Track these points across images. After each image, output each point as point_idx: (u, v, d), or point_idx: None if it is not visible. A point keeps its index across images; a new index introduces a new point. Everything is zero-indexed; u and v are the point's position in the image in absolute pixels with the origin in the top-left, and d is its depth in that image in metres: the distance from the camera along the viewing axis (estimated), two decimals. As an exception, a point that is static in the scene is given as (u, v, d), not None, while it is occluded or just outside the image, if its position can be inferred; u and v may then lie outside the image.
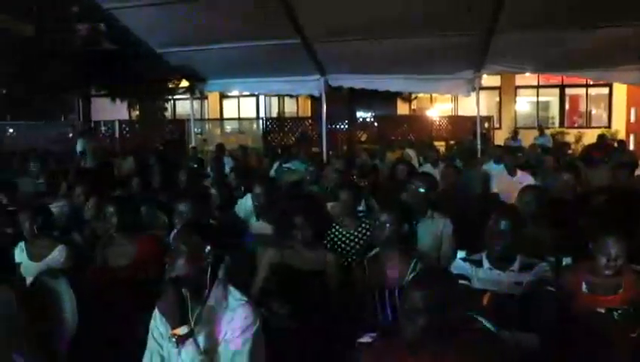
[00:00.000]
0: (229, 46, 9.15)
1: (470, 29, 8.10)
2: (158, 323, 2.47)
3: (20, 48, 10.68)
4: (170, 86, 12.21)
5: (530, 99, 20.96)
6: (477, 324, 2.38)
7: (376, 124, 18.14)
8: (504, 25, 7.76)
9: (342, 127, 16.84)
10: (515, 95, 20.56)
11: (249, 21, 8.15)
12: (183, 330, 2.27)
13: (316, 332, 3.15)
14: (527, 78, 18.56)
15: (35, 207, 4.52)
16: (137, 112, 20.36)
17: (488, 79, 14.13)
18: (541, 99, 20.84)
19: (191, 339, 2.27)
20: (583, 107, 20.73)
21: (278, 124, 17.75)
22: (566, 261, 3.59)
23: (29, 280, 3.83)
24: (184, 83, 11.72)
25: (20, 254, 4.22)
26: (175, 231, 3.88)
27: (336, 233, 4.31)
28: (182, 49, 9.61)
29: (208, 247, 2.41)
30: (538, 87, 20.27)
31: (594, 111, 20.67)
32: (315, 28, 8.43)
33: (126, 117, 19.40)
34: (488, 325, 2.36)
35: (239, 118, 21.06)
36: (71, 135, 15.14)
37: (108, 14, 8.93)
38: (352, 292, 3.33)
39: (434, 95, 19.97)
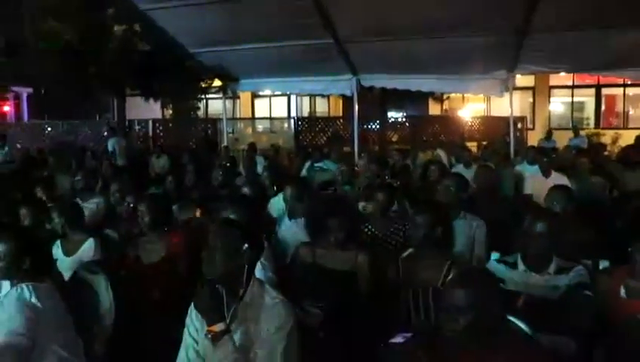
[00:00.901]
0: (261, 46, 9.21)
1: (504, 29, 8.01)
2: (194, 320, 2.50)
3: (61, 50, 10.92)
4: (202, 85, 12.32)
5: (565, 99, 20.62)
6: (511, 326, 2.36)
7: (407, 124, 18.03)
8: (538, 24, 7.66)
9: (373, 127, 16.79)
10: (549, 95, 20.26)
11: (282, 21, 8.20)
12: (219, 327, 2.30)
13: (348, 332, 3.16)
14: (562, 77, 18.27)
15: (67, 204, 4.64)
16: (170, 111, 20.65)
17: (522, 79, 13.95)
18: (576, 99, 20.48)
19: (227, 336, 2.30)
20: (619, 107, 20.32)
21: (309, 124, 17.77)
22: (603, 264, 3.53)
23: (65, 275, 3.93)
24: (217, 82, 11.83)
25: (56, 250, 4.32)
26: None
27: (369, 233, 4.31)
28: (215, 49, 9.70)
29: (246, 245, 2.44)
30: (573, 87, 19.93)
31: (631, 112, 20.25)
32: (348, 28, 8.44)
33: (159, 116, 19.66)
34: (524, 327, 2.34)
35: (271, 118, 21.16)
36: (106, 133, 15.40)
37: (143, 15, 9.06)
38: (385, 293, 3.32)
39: (466, 95, 19.79)
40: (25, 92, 20.37)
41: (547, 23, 7.58)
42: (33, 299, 2.82)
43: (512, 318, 2.38)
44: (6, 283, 3.06)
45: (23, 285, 2.87)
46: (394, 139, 17.06)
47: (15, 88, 19.17)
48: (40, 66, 11.24)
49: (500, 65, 9.49)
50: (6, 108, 21.13)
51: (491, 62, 9.42)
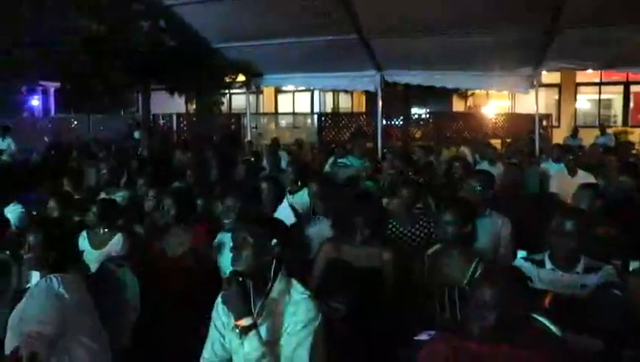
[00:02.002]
0: (285, 41, 9.22)
1: (531, 25, 7.91)
2: (220, 314, 2.52)
3: (88, 46, 11.06)
4: (226, 80, 12.37)
5: (592, 96, 20.30)
6: (538, 325, 2.34)
7: (431, 120, 17.91)
8: (566, 20, 7.55)
9: (397, 123, 16.71)
10: (576, 92, 19.97)
11: (306, 17, 8.19)
12: (246, 322, 2.30)
13: (372, 329, 3.16)
14: (589, 74, 17.98)
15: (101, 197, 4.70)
16: (194, 106, 20.76)
17: (547, 76, 13.78)
18: (603, 96, 20.15)
19: (254, 331, 2.30)
20: (648, 105, 19.98)
21: (332, 119, 17.75)
22: (633, 265, 3.48)
23: (92, 267, 3.99)
24: (240, 77, 11.87)
25: (82, 242, 4.36)
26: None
27: (394, 230, 4.30)
28: (239, 44, 9.74)
29: (274, 241, 2.44)
30: (600, 84, 19.62)
31: (661, 110, 19.89)
32: (372, 23, 8.41)
33: (183, 110, 19.79)
34: (552, 327, 2.32)
35: (294, 113, 21.16)
36: (131, 127, 15.58)
37: (168, 10, 9.13)
38: (410, 290, 3.31)
39: (491, 92, 19.61)
40: (52, 87, 20.65)
41: (575, 18, 7.47)
42: (61, 290, 2.86)
43: (539, 317, 2.36)
44: (35, 274, 3.12)
45: (52, 276, 2.92)
46: (417, 135, 16.97)
47: (43, 83, 19.46)
48: (67, 61, 11.40)
49: (526, 61, 9.39)
50: (34, 103, 21.43)
51: (517, 58, 9.32)
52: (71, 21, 11.12)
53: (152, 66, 11.22)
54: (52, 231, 3.08)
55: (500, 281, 2.15)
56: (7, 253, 3.53)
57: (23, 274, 3.50)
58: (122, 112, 20.16)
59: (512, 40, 8.40)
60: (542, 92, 11.79)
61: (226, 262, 3.60)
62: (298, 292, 2.45)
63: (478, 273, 3.10)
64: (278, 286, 2.44)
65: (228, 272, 2.50)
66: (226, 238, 3.84)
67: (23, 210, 5.23)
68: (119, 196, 5.94)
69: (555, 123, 18.73)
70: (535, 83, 9.75)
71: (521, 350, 2.09)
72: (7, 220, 4.62)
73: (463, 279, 3.10)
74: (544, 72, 10.12)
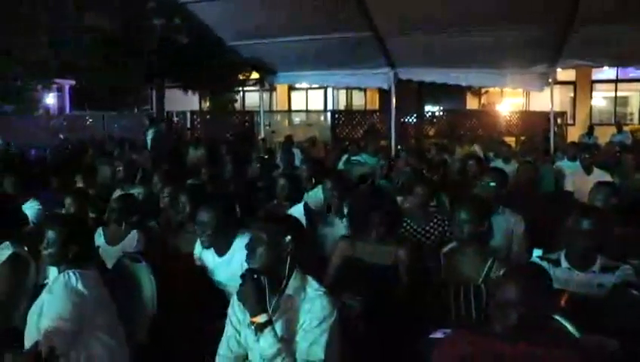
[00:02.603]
0: (299, 39, 9.22)
1: (546, 22, 7.85)
2: (236, 310, 2.53)
3: (103, 44, 11.16)
4: (240, 78, 12.42)
5: (608, 94, 20.12)
6: (556, 324, 2.33)
7: (444, 118, 17.85)
8: (582, 17, 7.48)
9: (410, 120, 16.67)
10: (591, 90, 19.80)
11: (320, 14, 8.19)
12: (262, 318, 2.32)
13: (387, 326, 3.16)
14: (605, 72, 17.83)
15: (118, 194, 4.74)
16: (208, 103, 20.86)
17: (562, 73, 13.66)
18: (619, 93, 19.96)
19: (269, 328, 2.32)
20: (666, 102, 19.76)
21: (346, 117, 17.74)
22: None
23: (107, 263, 4.02)
24: (254, 75, 11.90)
25: (98, 238, 4.41)
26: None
27: (408, 228, 4.30)
28: (253, 41, 9.75)
29: (288, 237, 2.45)
30: (617, 81, 19.44)
31: (679, 107, 19.66)
32: (386, 20, 8.39)
33: (197, 107, 19.88)
34: (569, 326, 2.31)
35: (307, 110, 21.18)
36: (145, 124, 15.67)
37: (182, 8, 9.16)
38: (426, 288, 3.31)
39: (505, 89, 19.49)
40: (67, 84, 20.82)
41: (591, 15, 7.40)
42: (79, 286, 2.89)
43: (556, 316, 2.35)
44: (53, 270, 3.15)
45: (70, 272, 2.95)
46: (431, 133, 16.92)
47: (58, 80, 19.63)
48: (82, 59, 11.51)
49: (541, 59, 9.31)
50: (49, 100, 21.61)
51: (532, 56, 9.25)
52: (85, 20, 11.24)
53: (166, 64, 11.30)
54: (70, 227, 3.11)
55: (524, 279, 2.14)
56: (26, 248, 3.56)
57: (41, 270, 3.54)
58: (136, 110, 20.31)
59: (527, 37, 8.34)
60: (557, 89, 11.71)
61: None
62: (313, 289, 2.46)
63: (493, 271, 3.10)
64: (293, 283, 2.45)
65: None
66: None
67: (41, 206, 5.28)
68: (134, 193, 5.98)
69: (569, 121, 18.59)
70: (550, 80, 9.67)
71: (539, 349, 2.09)
72: (26, 217, 4.67)
73: (478, 277, 3.09)
74: (559, 70, 10.03)
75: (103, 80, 12.47)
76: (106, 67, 11.37)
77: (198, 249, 3.81)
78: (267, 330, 2.31)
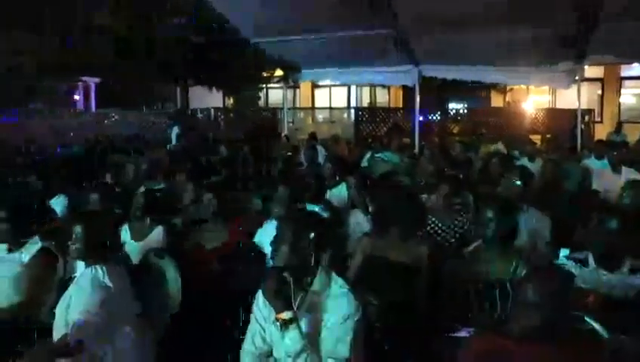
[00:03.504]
0: (323, 36, 9.21)
1: (572, 18, 7.73)
2: (261, 307, 2.54)
3: (124, 42, 11.28)
4: (264, 75, 12.46)
5: (637, 91, 19.73)
6: (584, 325, 2.30)
7: (468, 116, 17.70)
8: (610, 12, 7.34)
9: (434, 118, 16.57)
10: (620, 87, 19.45)
11: (344, 11, 8.16)
12: (287, 315, 2.32)
13: (409, 325, 3.15)
14: (634, 68, 17.49)
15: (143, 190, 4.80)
16: (232, 101, 20.97)
17: (590, 70, 13.45)
18: (649, 91, 19.60)
19: (294, 324, 2.32)
20: (697, 99, 19.33)
21: (369, 114, 17.69)
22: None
23: (132, 259, 4.07)
24: (278, 72, 11.92)
25: (124, 234, 4.46)
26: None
27: (433, 226, 4.27)
28: (276, 39, 9.76)
29: (312, 234, 2.45)
30: (646, 78, 19.07)
31: None
32: (410, 18, 8.33)
33: (221, 105, 19.99)
34: (598, 327, 2.28)
35: (330, 108, 21.16)
36: (169, 122, 15.81)
37: (206, 5, 9.21)
38: (449, 286, 3.29)
39: (530, 87, 19.26)
40: (93, 82, 21.09)
41: (619, 10, 7.26)
42: (106, 280, 2.94)
43: (585, 317, 2.32)
44: (80, 264, 3.20)
45: (97, 266, 3.00)
46: (454, 130, 16.80)
47: (84, 78, 19.90)
48: (106, 57, 11.64)
49: (568, 55, 9.17)
50: (76, 98, 21.91)
51: (558, 52, 9.10)
52: (102, 20, 11.38)
53: (188, 60, 11.37)
54: (96, 223, 3.16)
55: (548, 280, 2.12)
56: (53, 243, 3.62)
57: (69, 264, 3.59)
58: (161, 107, 20.49)
59: (553, 33, 8.22)
60: (584, 87, 11.54)
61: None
62: (338, 286, 2.45)
63: (518, 271, 3.07)
64: (318, 279, 2.45)
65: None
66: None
67: (68, 202, 5.36)
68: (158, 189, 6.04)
69: (597, 118, 18.30)
70: (577, 77, 9.53)
71: (565, 350, 2.06)
72: (54, 212, 4.74)
73: (503, 277, 3.06)
74: (586, 66, 9.87)
75: (126, 77, 12.60)
76: (127, 65, 11.47)
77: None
78: (292, 327, 2.31)
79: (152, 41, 11.19)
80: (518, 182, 4.36)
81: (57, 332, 2.91)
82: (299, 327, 2.32)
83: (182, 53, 11.42)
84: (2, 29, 13.15)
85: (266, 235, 3.87)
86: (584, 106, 14.49)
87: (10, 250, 3.48)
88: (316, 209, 4.19)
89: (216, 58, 11.66)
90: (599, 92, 19.45)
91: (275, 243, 2.47)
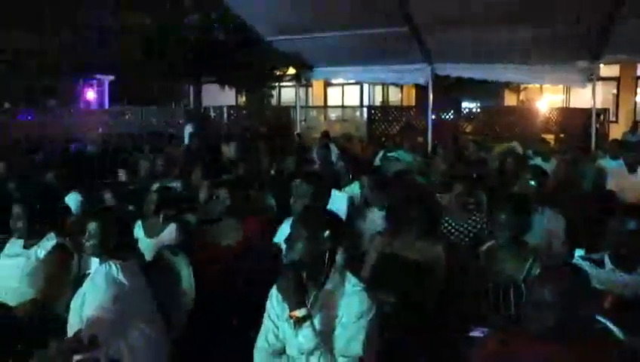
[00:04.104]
0: (336, 34, 9.20)
1: (589, 16, 7.66)
2: (274, 304, 2.54)
3: (141, 39, 11.32)
4: (277, 73, 12.46)
5: (654, 90, 19.53)
6: (600, 326, 2.27)
7: (482, 115, 17.59)
8: (628, 10, 7.27)
9: (447, 117, 16.49)
10: (636, 86, 19.25)
11: (357, 9, 8.16)
12: (301, 312, 2.31)
13: (424, 324, 3.13)
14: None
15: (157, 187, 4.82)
16: (244, 98, 20.99)
17: (605, 69, 13.33)
18: (666, 90, 19.35)
19: (308, 322, 2.31)
20: None
21: (382, 113, 17.64)
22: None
23: (146, 256, 4.08)
24: (290, 70, 11.92)
25: (137, 231, 4.48)
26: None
27: (447, 225, 4.26)
28: (290, 37, 9.77)
29: (327, 232, 2.45)
30: (664, 77, 18.85)
31: None
32: (424, 16, 8.31)
33: (234, 103, 20.01)
34: (614, 329, 2.25)
35: (343, 106, 21.12)
36: (182, 119, 15.85)
37: (220, 3, 9.24)
38: (464, 286, 3.27)
39: (544, 85, 19.12)
40: (107, 79, 21.22)
41: (636, 7, 7.19)
42: (120, 276, 2.95)
43: (600, 318, 2.29)
44: (95, 260, 3.22)
45: (111, 262, 3.01)
46: (468, 130, 16.71)
47: (99, 75, 20.02)
48: (121, 55, 11.71)
49: (583, 54, 9.10)
50: (90, 95, 22.05)
51: (574, 51, 9.05)
52: (124, 18, 11.45)
53: (204, 60, 11.39)
54: (111, 219, 3.17)
55: (562, 280, 2.08)
56: (68, 240, 3.64)
57: (83, 261, 3.61)
58: (174, 105, 20.56)
59: (568, 32, 8.16)
60: (599, 86, 11.42)
61: None
62: (352, 285, 2.45)
63: (533, 271, 3.05)
64: (332, 277, 2.45)
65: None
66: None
67: (83, 198, 5.39)
68: (172, 186, 6.06)
69: (612, 118, 18.13)
70: (593, 76, 9.45)
71: (579, 351, 2.04)
72: (68, 208, 4.77)
73: (518, 277, 3.04)
74: (601, 65, 9.78)
75: (141, 75, 12.67)
76: (143, 62, 11.53)
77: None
78: (306, 324, 2.30)
79: (183, 40, 11.25)
80: (533, 182, 4.33)
81: (72, 328, 2.93)
82: (312, 325, 2.32)
83: (201, 50, 11.46)
84: (14, 28, 13.34)
85: (284, 235, 3.87)
86: (599, 106, 14.36)
87: (25, 247, 3.50)
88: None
89: (232, 56, 11.67)
90: (614, 91, 19.27)
91: (290, 240, 2.47)
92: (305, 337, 2.30)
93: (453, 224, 4.28)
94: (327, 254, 2.43)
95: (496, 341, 2.25)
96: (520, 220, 3.16)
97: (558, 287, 2.05)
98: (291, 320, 2.33)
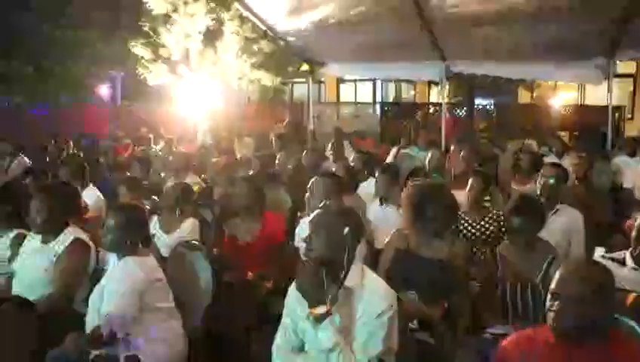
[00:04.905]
0: (349, 30, 9.15)
1: (604, 11, 7.55)
2: (294, 301, 2.54)
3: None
4: (290, 69, 12.45)
5: (672, 86, 19.30)
6: (623, 326, 2.25)
7: (495, 112, 17.50)
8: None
9: (460, 113, 16.42)
10: (653, 83, 19.05)
11: (370, 5, 8.11)
12: (320, 310, 2.31)
13: (442, 321, 3.11)
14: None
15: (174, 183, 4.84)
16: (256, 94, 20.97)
17: (621, 66, 13.15)
18: (684, 87, 19.12)
19: (328, 319, 2.30)
20: None
21: (395, 109, 17.58)
22: None
23: (163, 251, 4.10)
24: (303, 66, 11.89)
25: (153, 226, 4.50)
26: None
27: (463, 222, 4.23)
28: (303, 33, 9.72)
29: (347, 229, 2.44)
30: (681, 74, 18.62)
31: None
32: (438, 12, 8.24)
33: (245, 99, 19.99)
34: (637, 329, 2.22)
35: (356, 103, 21.08)
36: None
37: (234, -2, 9.22)
38: (481, 283, 3.25)
39: (558, 83, 18.95)
40: (119, 75, 21.29)
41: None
42: (138, 271, 2.97)
43: (623, 318, 2.27)
44: (113, 256, 3.23)
45: (129, 258, 3.03)
46: (481, 127, 16.62)
47: (110, 71, 20.08)
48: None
49: (599, 51, 8.99)
50: (103, 91, 22.14)
51: (589, 47, 8.92)
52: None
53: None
54: (128, 215, 3.18)
55: (586, 276, 2.03)
56: (86, 235, 3.66)
57: (101, 256, 3.63)
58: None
59: (584, 28, 8.05)
60: (614, 83, 11.30)
61: None
62: (372, 281, 2.44)
63: (551, 270, 3.02)
64: (352, 275, 2.44)
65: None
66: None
67: (99, 194, 5.42)
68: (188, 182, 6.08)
69: (628, 115, 17.96)
70: (610, 73, 9.33)
71: (602, 351, 2.01)
72: (85, 204, 4.79)
73: (535, 276, 3.01)
74: (618, 62, 9.66)
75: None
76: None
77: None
78: (326, 322, 2.30)
79: None
80: (551, 180, 4.29)
81: (90, 324, 2.95)
82: (332, 322, 2.31)
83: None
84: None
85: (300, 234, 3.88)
86: (614, 103, 14.22)
87: (44, 242, 3.52)
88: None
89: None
90: (631, 88, 19.08)
91: (309, 239, 2.47)
92: (325, 334, 2.30)
93: (469, 222, 4.25)
94: (346, 251, 2.43)
95: (518, 341, 2.22)
96: (534, 218, 3.12)
97: (580, 285, 1.99)
98: (311, 318, 2.33)
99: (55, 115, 16.30)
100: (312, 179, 4.07)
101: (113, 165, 8.09)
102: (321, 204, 3.37)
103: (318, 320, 2.31)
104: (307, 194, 4.08)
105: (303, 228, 3.93)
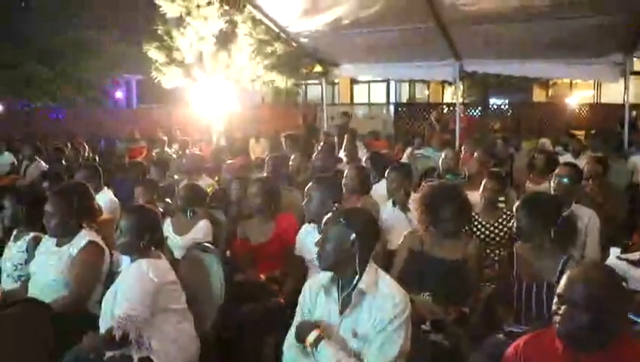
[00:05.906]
0: (363, 31, 9.13)
1: (621, 7, 7.46)
2: (307, 299, 2.55)
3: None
4: (303, 71, 12.44)
5: (691, 84, 19.05)
6: (637, 328, 2.22)
7: (510, 111, 17.39)
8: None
9: (475, 113, 16.33)
10: (672, 80, 18.80)
11: (384, 5, 8.08)
12: (312, 337, 2.40)
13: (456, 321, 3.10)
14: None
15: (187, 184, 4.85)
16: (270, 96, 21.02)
17: (637, 63, 13.01)
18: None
19: (323, 341, 2.37)
20: None
21: (409, 110, 17.54)
22: None
23: (176, 253, 4.12)
24: (317, 68, 11.88)
25: (166, 228, 4.51)
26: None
27: (477, 223, 4.21)
28: (316, 34, 9.72)
29: (353, 235, 2.43)
30: (701, 71, 18.34)
31: None
32: (451, 11, 8.20)
33: (259, 100, 20.07)
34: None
35: (369, 103, 21.05)
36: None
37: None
38: (497, 283, 3.23)
39: (574, 81, 18.79)
40: (134, 79, 21.46)
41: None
42: (150, 274, 2.98)
43: (636, 319, 2.24)
44: (126, 258, 3.25)
45: (142, 260, 3.04)
46: (496, 126, 16.53)
47: (126, 75, 20.25)
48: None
49: (616, 47, 8.89)
50: (118, 95, 22.31)
51: (606, 44, 8.81)
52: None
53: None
54: (142, 217, 3.20)
55: (593, 280, 2.00)
56: (100, 237, 3.68)
57: (115, 258, 3.66)
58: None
59: (600, 24, 7.96)
60: (631, 80, 11.16)
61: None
62: (386, 284, 2.43)
63: (566, 269, 2.99)
64: (365, 278, 2.43)
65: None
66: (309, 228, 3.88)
67: (113, 196, 5.45)
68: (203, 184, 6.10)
69: (644, 113, 17.75)
70: (627, 70, 9.22)
71: (614, 353, 1.99)
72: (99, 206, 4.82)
73: (551, 276, 2.98)
74: (635, 59, 9.54)
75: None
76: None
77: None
78: (321, 344, 2.36)
79: None
80: (566, 180, 4.25)
81: (104, 325, 2.96)
82: (328, 342, 2.37)
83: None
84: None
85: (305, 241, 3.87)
86: (631, 101, 14.05)
87: (58, 244, 3.55)
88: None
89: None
90: (648, 86, 18.86)
91: (320, 243, 2.47)
92: (324, 356, 2.34)
93: (483, 222, 4.23)
94: (357, 255, 2.42)
95: (531, 342, 2.21)
96: (549, 218, 3.09)
97: (588, 288, 1.97)
98: (308, 349, 2.38)
99: (71, 117, 16.47)
100: (308, 185, 3.96)
101: (129, 167, 8.14)
102: (327, 210, 3.33)
103: (314, 345, 2.37)
104: (305, 201, 3.95)
105: (301, 237, 3.93)
